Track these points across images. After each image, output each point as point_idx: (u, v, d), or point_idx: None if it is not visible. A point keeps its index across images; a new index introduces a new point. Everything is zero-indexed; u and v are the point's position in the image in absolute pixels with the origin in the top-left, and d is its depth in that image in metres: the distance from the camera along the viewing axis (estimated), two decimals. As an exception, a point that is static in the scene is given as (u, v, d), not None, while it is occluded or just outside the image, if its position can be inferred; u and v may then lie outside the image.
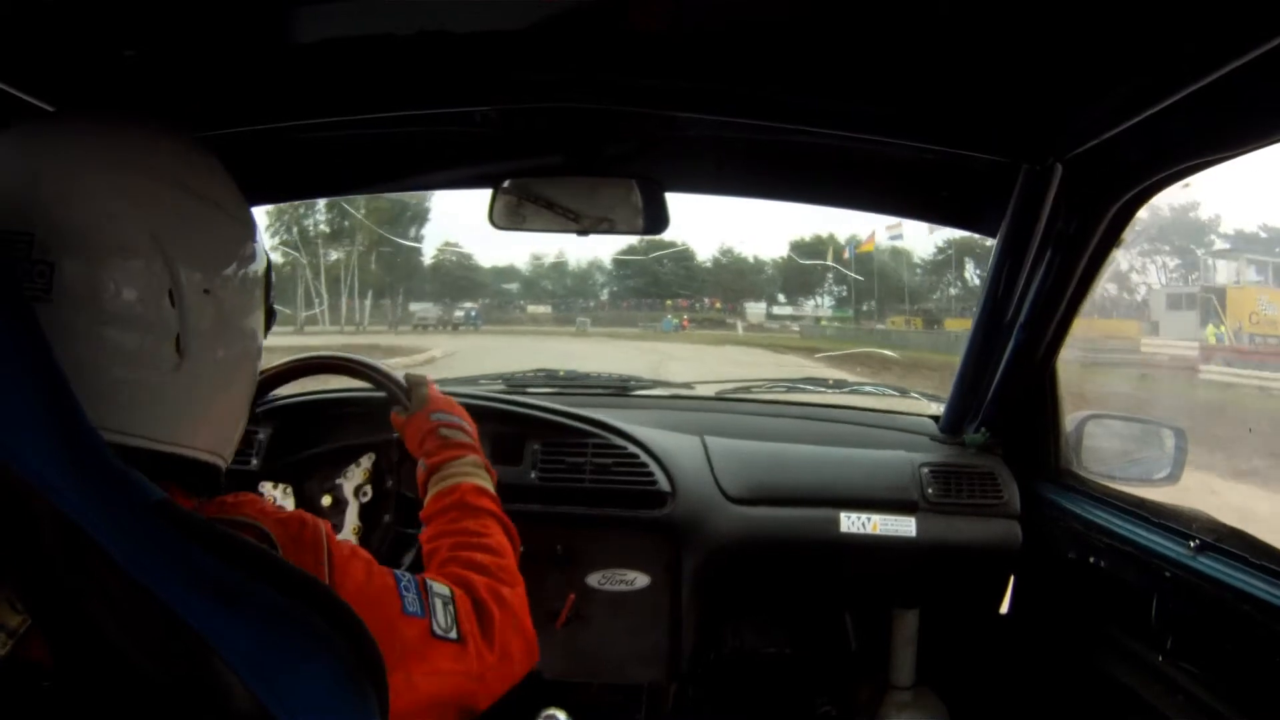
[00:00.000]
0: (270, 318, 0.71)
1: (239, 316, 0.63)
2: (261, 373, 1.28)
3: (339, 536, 1.18)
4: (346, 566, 0.63)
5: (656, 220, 1.33)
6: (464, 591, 0.72)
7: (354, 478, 1.29)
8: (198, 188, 0.60)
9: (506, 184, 1.32)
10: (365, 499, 1.28)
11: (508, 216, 1.34)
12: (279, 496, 1.31)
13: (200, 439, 0.61)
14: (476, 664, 0.68)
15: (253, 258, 0.65)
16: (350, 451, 1.32)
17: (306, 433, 1.38)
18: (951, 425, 1.58)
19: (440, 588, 0.70)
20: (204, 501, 0.62)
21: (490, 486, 0.92)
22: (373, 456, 1.30)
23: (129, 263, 0.56)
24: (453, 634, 0.67)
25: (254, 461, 1.37)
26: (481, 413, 1.47)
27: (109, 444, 0.50)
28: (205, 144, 0.65)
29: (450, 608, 0.69)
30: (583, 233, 1.38)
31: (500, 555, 0.82)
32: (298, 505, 1.30)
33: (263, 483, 1.33)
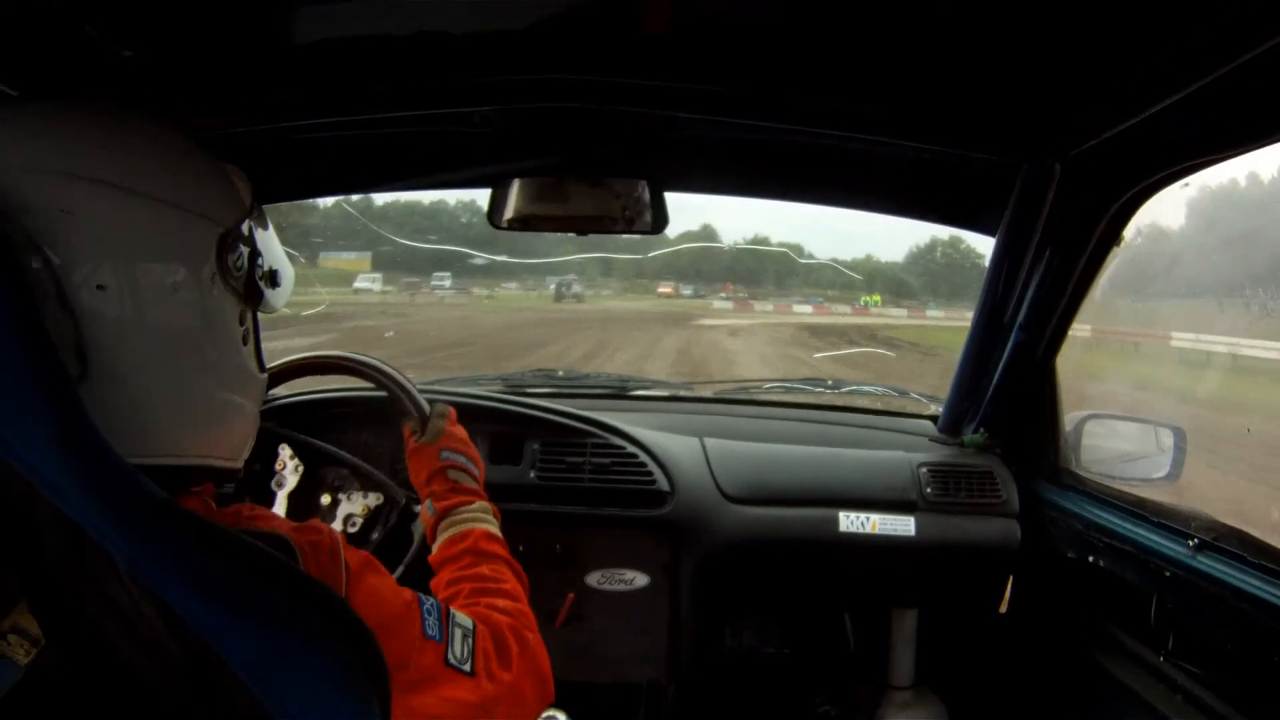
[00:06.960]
0: (257, 300, 0.65)
1: (168, 313, 0.56)
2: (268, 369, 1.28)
3: (336, 524, 1.17)
4: (361, 576, 0.63)
5: (656, 220, 1.33)
6: (487, 628, 0.73)
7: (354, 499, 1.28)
8: (109, 175, 0.54)
9: (506, 184, 1.32)
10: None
11: (507, 216, 1.35)
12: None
13: (165, 445, 0.57)
14: (483, 697, 0.68)
15: (195, 246, 0.58)
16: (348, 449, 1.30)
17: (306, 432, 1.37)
18: (950, 425, 1.58)
19: (463, 619, 0.71)
20: (219, 510, 0.62)
21: (499, 532, 0.93)
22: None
23: (6, 262, 0.49)
24: (466, 666, 0.68)
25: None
26: (481, 412, 1.47)
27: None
28: (168, 121, 0.60)
29: (469, 641, 0.69)
30: (582, 232, 1.39)
31: (519, 601, 0.84)
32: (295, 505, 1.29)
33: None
